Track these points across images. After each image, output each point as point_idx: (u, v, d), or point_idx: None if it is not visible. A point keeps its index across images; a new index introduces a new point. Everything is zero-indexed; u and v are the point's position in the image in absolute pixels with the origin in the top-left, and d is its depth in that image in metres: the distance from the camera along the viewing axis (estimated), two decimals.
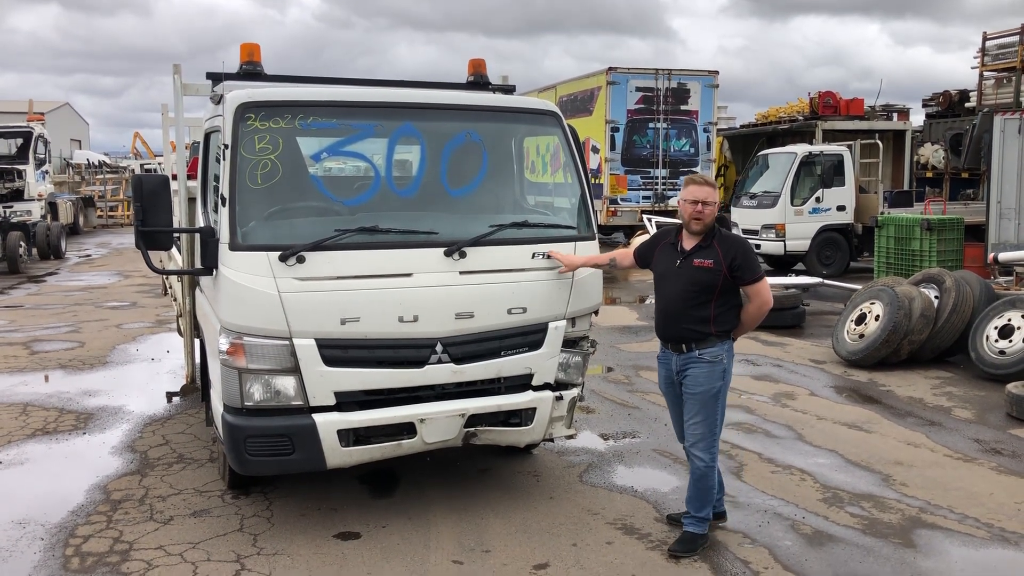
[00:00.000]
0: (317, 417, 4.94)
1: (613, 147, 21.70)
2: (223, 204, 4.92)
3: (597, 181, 22.29)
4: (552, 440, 6.21)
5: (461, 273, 5.17)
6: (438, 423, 5.17)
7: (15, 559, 4.89)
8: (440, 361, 5.15)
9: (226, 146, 4.97)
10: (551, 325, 5.45)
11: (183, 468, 6.33)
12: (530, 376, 5.43)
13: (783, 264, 17.66)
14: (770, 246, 17.19)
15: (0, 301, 14.83)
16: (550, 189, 6.09)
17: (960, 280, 9.51)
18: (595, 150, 22.28)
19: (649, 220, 20.66)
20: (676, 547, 4.92)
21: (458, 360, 5.19)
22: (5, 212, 19.86)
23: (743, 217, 18.07)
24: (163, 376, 9.15)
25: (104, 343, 10.99)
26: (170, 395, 7.84)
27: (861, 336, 9.42)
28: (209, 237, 5.07)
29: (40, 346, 10.83)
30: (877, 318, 9.34)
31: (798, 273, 16.82)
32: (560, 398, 5.50)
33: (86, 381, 8.99)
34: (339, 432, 4.97)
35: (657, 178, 22.08)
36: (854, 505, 5.61)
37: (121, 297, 15.23)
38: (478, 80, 6.31)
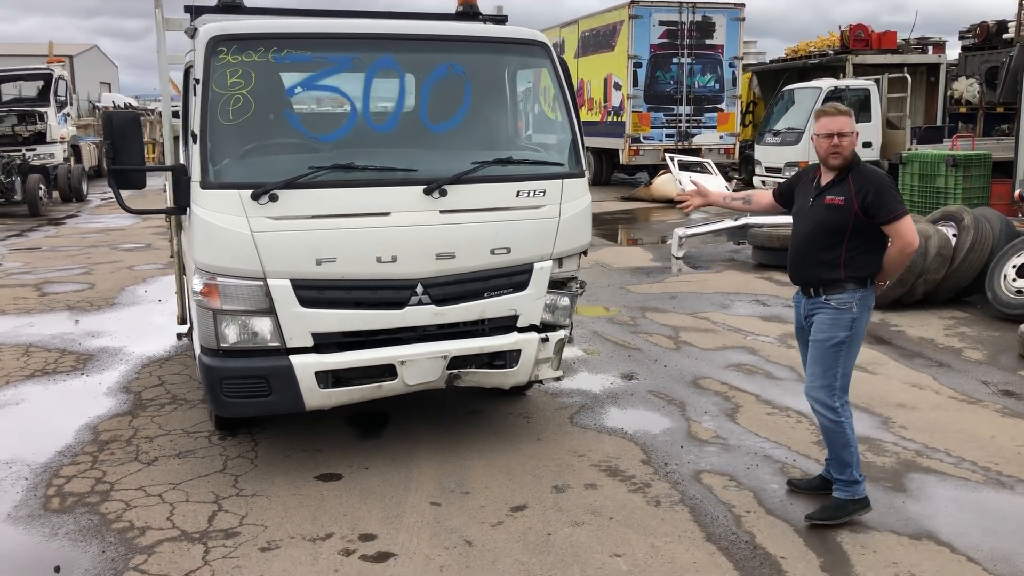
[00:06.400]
0: (294, 358, 4.87)
1: (635, 83, 21.32)
2: (194, 141, 4.81)
3: (619, 119, 21.93)
4: (541, 382, 6.10)
5: (442, 212, 5.02)
6: (419, 365, 5.08)
7: None
8: (421, 303, 5.04)
9: (197, 81, 4.83)
10: (536, 266, 5.30)
11: (175, 409, 6.32)
12: (515, 318, 5.31)
13: None
14: None
15: (18, 243, 14.94)
16: (541, 124, 5.89)
17: (979, 217, 9.19)
18: (617, 87, 21.89)
19: (671, 159, 20.27)
20: (816, 513, 4.53)
21: (439, 301, 5.07)
22: (25, 154, 19.90)
23: (766, 154, 17.69)
24: (168, 317, 9.13)
25: (114, 285, 11.02)
26: (180, 335, 7.87)
27: None
28: (181, 175, 4.96)
29: (51, 288, 10.88)
30: None
31: None
32: (546, 340, 5.38)
33: (91, 322, 9.01)
34: (317, 374, 4.90)
35: (681, 115, 21.68)
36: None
37: (138, 239, 15.27)
38: (468, 11, 6.07)
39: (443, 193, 5.00)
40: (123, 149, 4.87)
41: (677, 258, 12.73)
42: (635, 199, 20.94)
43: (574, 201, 5.41)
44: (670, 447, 5.52)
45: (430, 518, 4.59)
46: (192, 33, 5.16)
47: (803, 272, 4.60)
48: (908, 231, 4.34)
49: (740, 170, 22.35)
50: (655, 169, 21.65)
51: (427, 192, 4.96)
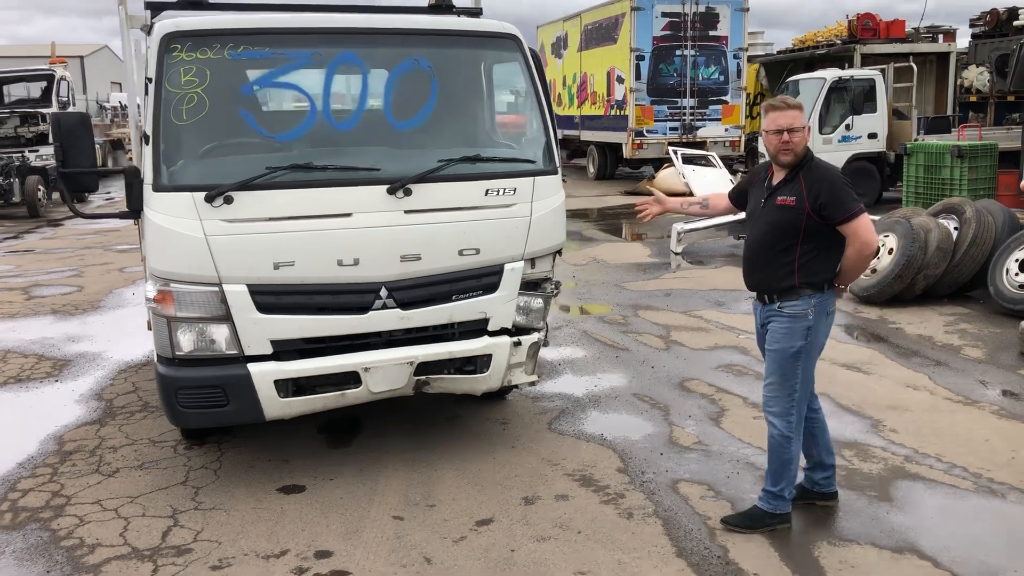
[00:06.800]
0: (252, 367, 4.69)
1: (638, 76, 21.04)
2: (146, 142, 4.63)
3: (622, 113, 21.66)
4: (517, 387, 5.91)
5: (406, 212, 4.83)
6: (384, 372, 4.89)
7: None
8: (385, 307, 4.84)
9: (149, 79, 4.66)
10: (507, 267, 5.10)
11: (144, 417, 6.15)
12: (486, 321, 5.11)
13: None
14: None
15: (13, 246, 14.85)
16: (512, 120, 5.68)
17: (981, 210, 8.92)
18: (620, 80, 21.63)
19: (675, 153, 19.97)
20: (733, 518, 4.37)
21: (405, 305, 4.88)
22: (25, 156, 19.84)
23: None
24: None
25: (102, 287, 10.89)
26: None
27: (873, 271, 8.91)
28: (134, 178, 4.78)
29: (38, 291, 10.76)
30: (891, 252, 8.82)
31: None
32: (519, 343, 5.18)
33: (74, 326, 8.87)
34: (276, 382, 4.72)
35: (685, 108, 21.38)
36: (835, 454, 5.20)
37: (133, 240, 15.09)
38: (441, 3, 5.88)
39: (407, 192, 4.81)
40: (73, 151, 4.72)
41: (676, 254, 12.50)
42: (638, 193, 20.65)
43: (546, 199, 5.20)
44: (649, 454, 5.31)
45: (391, 533, 4.40)
46: (148, 30, 4.99)
47: (756, 279, 4.37)
48: (865, 231, 4.08)
49: (746, 163, 22.06)
50: (660, 163, 21.37)
51: (391, 192, 4.77)
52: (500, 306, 5.12)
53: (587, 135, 24.26)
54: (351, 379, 4.88)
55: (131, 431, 5.89)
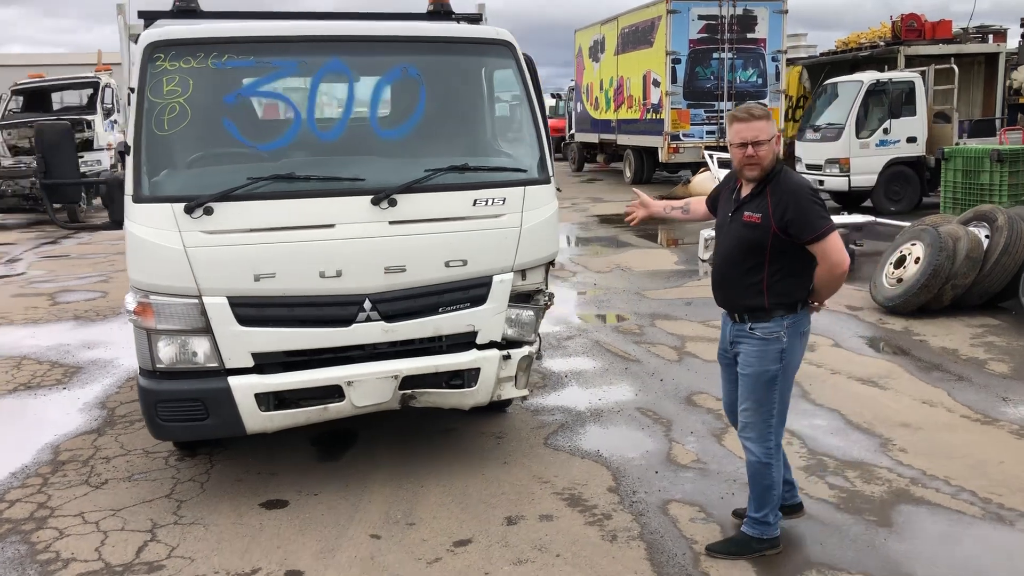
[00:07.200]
0: (232, 380, 4.62)
1: (674, 80, 20.79)
2: (127, 153, 4.60)
3: (658, 116, 21.41)
4: (509, 402, 5.79)
5: (391, 223, 4.73)
6: (368, 385, 4.79)
7: None
8: (369, 319, 4.75)
9: (132, 89, 4.64)
10: (496, 278, 4.97)
11: (142, 427, 6.07)
12: (474, 334, 4.99)
13: (849, 201, 16.57)
14: (834, 182, 16.14)
15: (49, 251, 15.08)
16: (505, 128, 5.54)
17: (1014, 217, 8.56)
18: (656, 83, 21.39)
19: (711, 156, 19.68)
20: (718, 545, 4.21)
21: (389, 318, 4.78)
22: None
23: (807, 151, 17.02)
24: None
25: (125, 293, 10.95)
26: None
27: (899, 280, 8.62)
28: (116, 189, 4.75)
29: (64, 297, 10.88)
30: (917, 260, 8.52)
31: (864, 211, 15.74)
32: (508, 357, 5.05)
33: (92, 332, 8.94)
34: (257, 396, 4.65)
35: (722, 111, 21.03)
36: (838, 475, 5.03)
37: None
38: (439, 9, 5.77)
39: (392, 203, 4.71)
40: (55, 162, 4.71)
41: (703, 260, 12.24)
42: (672, 198, 20.32)
43: (538, 209, 5.06)
44: (643, 472, 5.15)
45: (366, 553, 4.30)
46: (135, 39, 4.97)
47: (725, 296, 4.17)
48: (835, 250, 3.84)
49: (792, 166, 21.62)
50: (697, 167, 21.07)
51: (375, 202, 4.68)
52: (488, 319, 4.99)
53: (624, 139, 24.05)
54: (334, 393, 4.79)
55: (127, 441, 5.87)
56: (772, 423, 4.09)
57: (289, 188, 4.66)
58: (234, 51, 4.78)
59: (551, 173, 5.20)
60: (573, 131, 29.19)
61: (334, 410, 4.82)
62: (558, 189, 5.32)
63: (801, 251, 3.90)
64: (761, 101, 21.07)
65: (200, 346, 4.61)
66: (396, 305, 4.79)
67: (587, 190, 22.80)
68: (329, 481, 5.13)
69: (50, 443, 5.89)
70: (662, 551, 4.24)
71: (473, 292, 4.95)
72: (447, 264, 4.86)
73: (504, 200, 4.96)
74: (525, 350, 5.14)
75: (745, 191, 4.05)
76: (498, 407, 5.98)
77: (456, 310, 4.93)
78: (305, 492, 5.00)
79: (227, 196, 4.51)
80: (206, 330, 4.57)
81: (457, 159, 5.00)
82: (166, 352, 4.61)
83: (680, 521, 4.54)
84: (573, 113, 29.15)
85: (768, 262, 3.93)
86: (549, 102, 39.14)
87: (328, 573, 4.13)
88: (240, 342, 4.61)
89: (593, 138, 26.84)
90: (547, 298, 5.29)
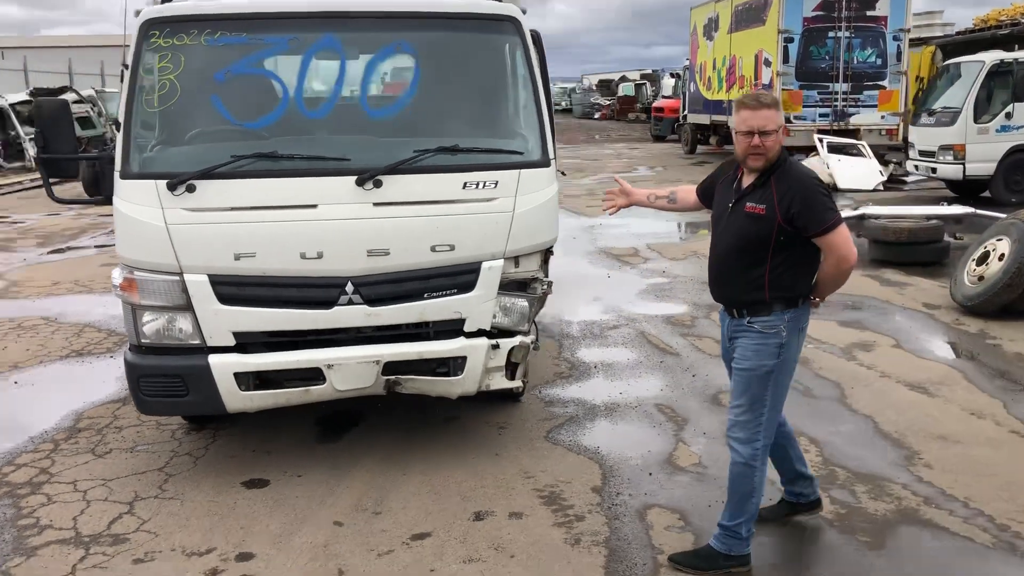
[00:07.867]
0: (213, 358, 4.63)
1: (786, 59, 19.89)
2: (118, 129, 4.65)
3: None
4: (520, 392, 5.62)
5: (375, 205, 4.63)
6: (349, 369, 4.72)
7: None
8: (351, 302, 4.67)
9: (125, 66, 4.68)
10: (485, 265, 4.80)
11: None
12: (461, 321, 4.84)
13: (965, 190, 15.44)
14: (947, 170, 15.08)
15: None
16: (505, 108, 5.32)
17: None
18: (767, 63, 20.51)
19: (820, 141, 18.77)
20: (681, 556, 3.95)
21: (372, 302, 4.69)
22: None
23: (921, 137, 15.97)
24: None
25: None
26: None
27: (980, 278, 7.93)
28: (108, 165, 4.81)
29: None
30: (1001, 257, 7.81)
31: (976, 202, 14.65)
32: (496, 347, 4.87)
33: None
34: (236, 375, 4.65)
35: (837, 93, 20.07)
36: (845, 488, 4.64)
37: None
38: None
39: (378, 184, 4.60)
40: (53, 137, 4.79)
41: None
42: None
43: (533, 194, 4.85)
44: (636, 473, 4.89)
45: (321, 540, 4.23)
46: (136, 14, 5.00)
47: (723, 292, 3.90)
48: (843, 243, 3.60)
49: (907, 152, 20.40)
50: (808, 151, 20.13)
51: (359, 183, 4.58)
52: (477, 306, 4.83)
53: None
54: (315, 375, 4.74)
55: None
56: (762, 423, 3.81)
57: (272, 167, 4.61)
58: (227, 28, 4.75)
59: (552, 156, 4.97)
60: (686, 112, 28.38)
61: (316, 393, 4.77)
62: (562, 173, 5.09)
63: (805, 244, 3.67)
64: (880, 83, 20.02)
65: (183, 323, 4.64)
66: (379, 289, 4.69)
67: (693, 173, 22.10)
68: (319, 463, 5.09)
69: (76, 410, 6.09)
70: (623, 559, 4.00)
71: (461, 278, 4.80)
72: (433, 248, 4.71)
73: (496, 183, 4.77)
74: (516, 340, 4.95)
75: (747, 181, 3.80)
76: (510, 397, 5.83)
77: (442, 296, 4.78)
78: (290, 473, 4.98)
79: (209, 174, 4.51)
80: (187, 307, 4.59)
81: (450, 140, 4.84)
82: (150, 327, 4.66)
83: (655, 528, 4.27)
84: (687, 93, 28.33)
85: (771, 256, 3.69)
86: (668, 82, 38.24)
87: (278, 558, 4.08)
88: (220, 320, 4.61)
89: (705, 119, 26.02)
90: (544, 287, 5.07)
